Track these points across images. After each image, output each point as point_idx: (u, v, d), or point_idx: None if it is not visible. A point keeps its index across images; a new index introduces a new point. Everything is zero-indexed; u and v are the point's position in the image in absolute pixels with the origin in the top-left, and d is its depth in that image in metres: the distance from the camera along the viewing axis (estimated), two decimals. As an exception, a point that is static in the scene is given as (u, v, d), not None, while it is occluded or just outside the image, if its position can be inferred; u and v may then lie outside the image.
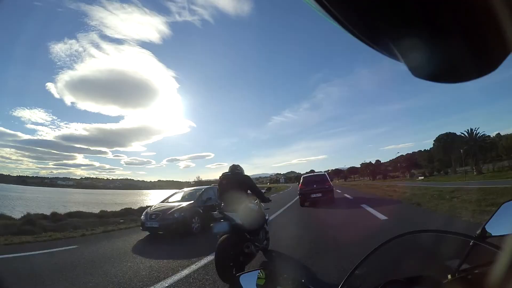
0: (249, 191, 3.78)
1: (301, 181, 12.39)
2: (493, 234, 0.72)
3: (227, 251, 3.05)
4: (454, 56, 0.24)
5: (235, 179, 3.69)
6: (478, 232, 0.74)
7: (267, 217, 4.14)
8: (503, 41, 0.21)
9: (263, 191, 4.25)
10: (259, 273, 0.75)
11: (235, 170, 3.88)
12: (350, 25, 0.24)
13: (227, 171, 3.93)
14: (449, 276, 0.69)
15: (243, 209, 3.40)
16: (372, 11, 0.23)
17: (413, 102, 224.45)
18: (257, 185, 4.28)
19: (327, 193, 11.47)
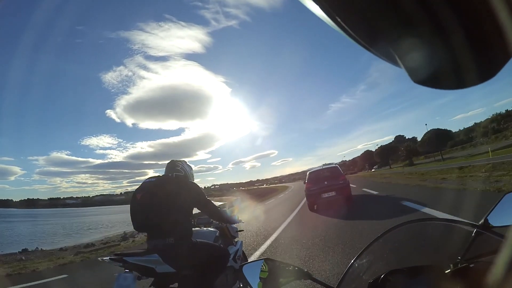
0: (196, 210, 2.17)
1: (306, 178, 9.49)
2: (495, 225, 0.72)
3: None
4: (455, 61, 0.23)
5: (160, 189, 1.95)
6: (480, 222, 0.74)
7: (237, 247, 2.55)
8: (504, 44, 0.21)
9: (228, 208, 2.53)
10: (262, 265, 0.74)
11: (172, 171, 2.17)
12: (349, 28, 0.24)
13: (156, 175, 2.20)
14: (452, 266, 0.70)
15: (178, 244, 1.87)
16: (370, 14, 0.22)
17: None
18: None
19: (342, 190, 8.73)
